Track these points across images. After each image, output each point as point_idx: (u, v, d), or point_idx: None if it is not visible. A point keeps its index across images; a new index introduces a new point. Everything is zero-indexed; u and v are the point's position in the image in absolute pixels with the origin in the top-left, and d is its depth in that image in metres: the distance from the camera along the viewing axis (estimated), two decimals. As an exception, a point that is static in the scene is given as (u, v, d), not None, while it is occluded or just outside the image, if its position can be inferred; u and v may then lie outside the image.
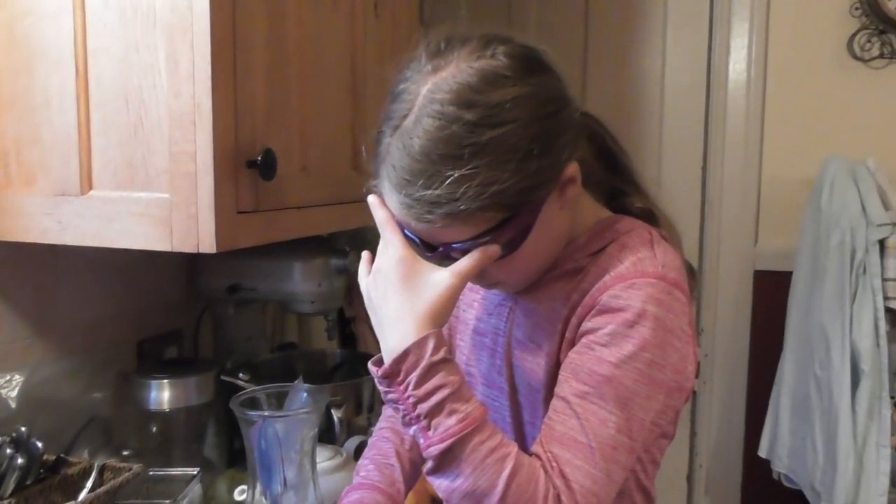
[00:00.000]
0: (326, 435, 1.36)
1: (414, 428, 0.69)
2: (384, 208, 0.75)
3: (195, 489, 1.11)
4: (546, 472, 0.68)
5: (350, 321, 1.82)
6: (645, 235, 0.78)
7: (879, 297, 1.60)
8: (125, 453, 1.23)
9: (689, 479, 2.24)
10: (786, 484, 1.85)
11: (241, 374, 1.31)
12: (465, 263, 0.71)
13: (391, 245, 0.74)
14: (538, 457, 0.70)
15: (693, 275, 0.84)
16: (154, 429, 1.26)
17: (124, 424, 1.28)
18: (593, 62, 2.26)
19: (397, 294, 0.71)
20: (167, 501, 1.05)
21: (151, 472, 1.11)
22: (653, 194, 0.87)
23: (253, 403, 1.10)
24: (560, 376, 0.74)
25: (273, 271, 1.39)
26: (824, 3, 2.00)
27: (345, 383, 1.45)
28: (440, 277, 0.71)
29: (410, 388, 0.68)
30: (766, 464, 1.91)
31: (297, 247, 1.32)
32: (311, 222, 1.12)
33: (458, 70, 0.69)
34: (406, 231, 0.74)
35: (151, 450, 1.24)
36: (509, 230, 0.71)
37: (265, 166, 0.94)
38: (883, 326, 1.59)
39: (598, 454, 0.68)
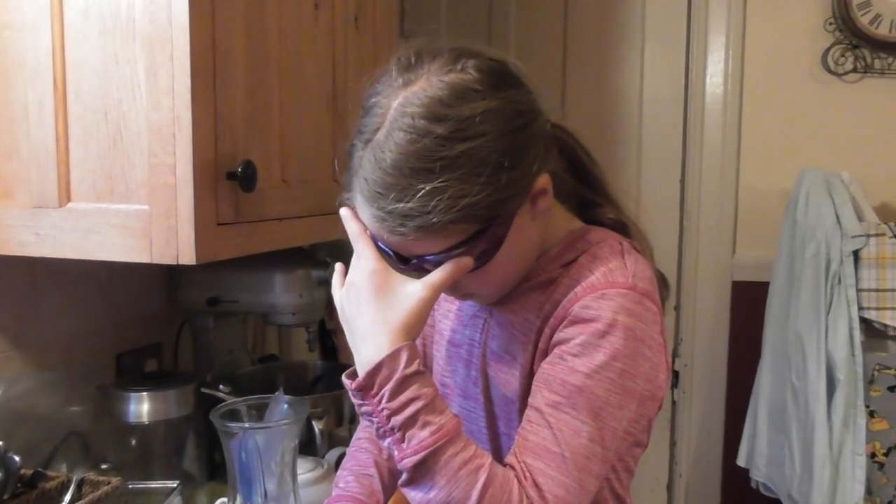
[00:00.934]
0: (307, 447, 1.36)
1: (388, 440, 0.69)
2: (356, 221, 0.75)
3: (175, 502, 1.10)
4: (520, 482, 0.69)
5: (331, 333, 1.82)
6: (616, 246, 0.79)
7: (854, 308, 1.63)
8: (104, 467, 1.22)
9: (669, 488, 2.25)
10: (764, 492, 1.87)
11: (221, 387, 1.31)
12: (437, 276, 0.72)
13: (364, 258, 0.74)
14: (512, 467, 0.70)
15: (666, 285, 0.85)
16: (133, 442, 1.25)
17: (103, 438, 1.26)
18: (572, 76, 2.28)
19: (370, 306, 0.72)
20: (146, 515, 1.04)
21: (131, 486, 1.11)
22: (624, 206, 0.88)
23: (233, 415, 1.10)
24: (533, 387, 0.74)
25: (253, 283, 1.38)
26: (799, 19, 2.04)
27: (326, 395, 1.44)
28: (413, 290, 0.72)
29: (384, 400, 0.68)
30: (744, 472, 1.92)
31: (277, 258, 1.31)
32: (292, 234, 1.12)
33: (428, 84, 0.69)
34: (379, 244, 0.75)
35: (131, 463, 1.23)
36: (481, 242, 0.72)
37: (245, 178, 0.94)
38: (857, 336, 1.62)
39: (571, 463, 0.69)
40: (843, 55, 2.02)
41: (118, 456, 1.24)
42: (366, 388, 0.69)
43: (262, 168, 0.98)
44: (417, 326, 0.72)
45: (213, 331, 1.48)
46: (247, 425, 1.06)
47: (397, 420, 0.68)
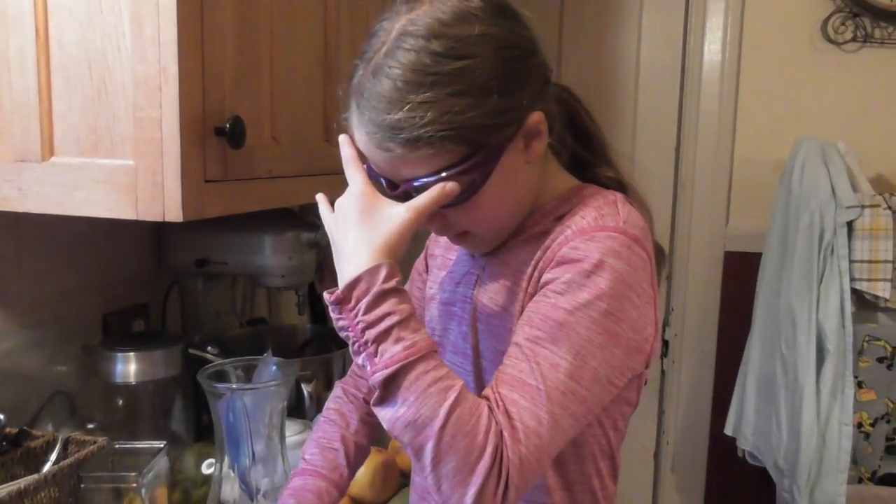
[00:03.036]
0: (296, 410, 1.36)
1: (362, 356, 0.69)
2: (351, 146, 0.77)
3: (162, 462, 1.10)
4: (492, 410, 0.68)
5: (321, 296, 1.81)
6: (610, 197, 0.79)
7: (846, 279, 1.63)
8: (90, 427, 1.22)
9: (657, 456, 2.28)
10: (750, 461, 1.89)
11: (209, 348, 1.30)
12: (422, 199, 0.73)
13: (353, 182, 0.76)
14: (486, 398, 0.70)
15: (662, 255, 0.85)
16: (120, 402, 1.24)
17: (89, 398, 1.26)
18: (569, 41, 2.25)
19: (355, 227, 0.73)
20: (133, 474, 1.03)
21: (117, 445, 1.10)
22: (625, 169, 0.87)
23: (221, 376, 1.09)
24: (517, 326, 0.75)
25: (243, 245, 1.37)
26: (799, -14, 2.01)
27: (315, 358, 1.44)
28: (397, 211, 0.73)
29: (360, 313, 0.69)
30: (731, 441, 1.94)
31: (267, 220, 1.30)
32: (282, 194, 1.11)
33: (431, 8, 0.72)
34: (372, 170, 0.76)
35: (117, 423, 1.23)
36: (468, 169, 0.72)
37: (234, 134, 0.92)
38: (849, 307, 1.62)
39: (545, 396, 0.68)
40: (843, 24, 1.99)
41: (104, 416, 1.24)
42: (343, 301, 0.70)
43: (251, 125, 0.96)
44: (400, 247, 0.73)
45: (201, 293, 1.47)
46: (235, 386, 1.06)
47: (371, 333, 0.68)
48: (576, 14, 2.24)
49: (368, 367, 0.69)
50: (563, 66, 2.23)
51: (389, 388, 0.67)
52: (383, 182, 0.76)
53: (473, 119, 0.70)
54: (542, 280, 0.74)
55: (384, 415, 0.69)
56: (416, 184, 0.73)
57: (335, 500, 0.93)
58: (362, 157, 0.77)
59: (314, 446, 0.96)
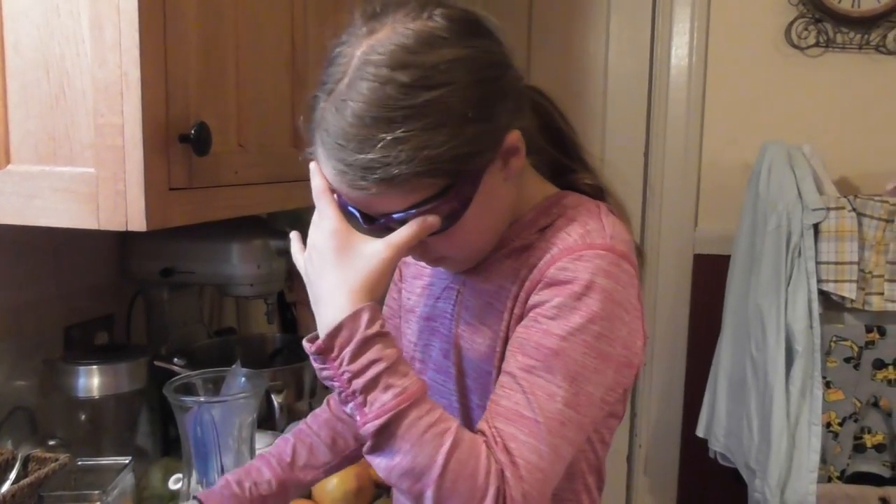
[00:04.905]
0: (266, 421, 1.33)
1: (350, 405, 0.66)
2: (321, 177, 0.72)
3: (127, 479, 1.07)
4: (490, 447, 0.66)
5: (291, 305, 1.79)
6: (593, 209, 0.77)
7: (813, 280, 1.66)
8: (52, 443, 1.18)
9: (629, 459, 2.29)
10: (721, 462, 1.90)
11: (175, 360, 1.27)
12: (401, 234, 0.69)
13: (325, 217, 0.71)
14: (483, 433, 0.68)
15: (641, 255, 0.83)
16: (83, 417, 1.21)
17: (51, 413, 1.22)
18: (538, 47, 2.26)
19: (332, 268, 0.69)
20: (97, 492, 1.00)
21: (80, 462, 1.07)
22: (601, 172, 0.86)
23: (188, 389, 1.07)
24: (507, 352, 0.72)
25: (210, 253, 1.34)
26: (763, -8, 2.05)
27: (285, 368, 1.42)
28: (375, 249, 0.69)
29: (345, 363, 0.66)
30: (703, 443, 1.96)
31: (234, 228, 1.27)
32: (249, 201, 1.08)
33: (393, 32, 0.67)
34: (348, 205, 0.72)
35: (80, 439, 1.20)
36: (448, 200, 0.69)
37: (199, 141, 0.90)
38: (816, 308, 1.65)
39: (544, 429, 0.66)
40: (806, 29, 2.03)
41: (67, 431, 1.21)
42: (326, 351, 0.67)
43: (216, 131, 0.93)
44: (380, 287, 0.69)
45: (167, 303, 1.44)
46: (202, 399, 1.04)
47: (358, 383, 0.65)
48: (544, 20, 2.25)
49: (358, 418, 0.66)
50: (532, 72, 2.23)
51: (382, 437, 0.65)
52: (358, 215, 0.72)
53: (451, 150, 0.66)
54: (530, 302, 0.72)
55: (378, 463, 0.66)
56: (395, 217, 0.70)
57: (266, 478, 0.92)
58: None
59: (261, 460, 0.96)
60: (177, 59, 0.89)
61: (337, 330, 0.66)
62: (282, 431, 1.28)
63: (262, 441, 1.18)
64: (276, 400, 1.33)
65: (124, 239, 1.38)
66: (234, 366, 1.09)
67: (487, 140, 0.69)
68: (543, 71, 2.24)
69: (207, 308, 1.69)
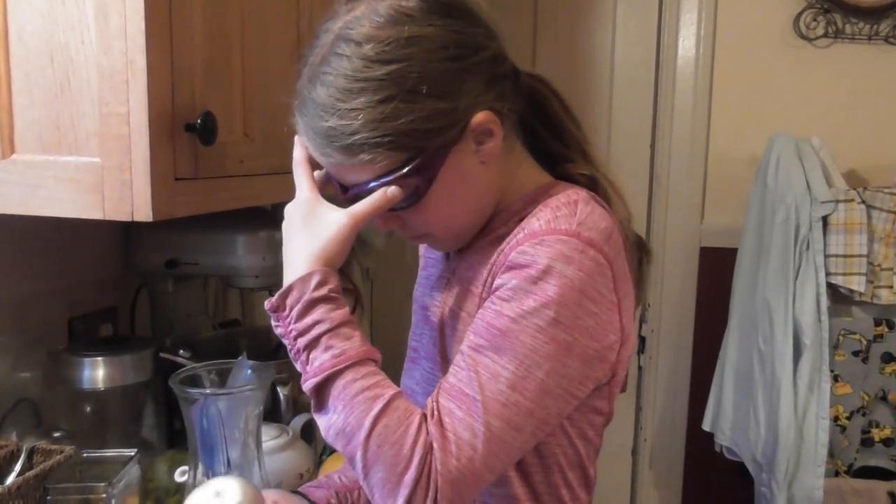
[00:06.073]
0: (272, 413, 1.33)
1: (297, 363, 0.71)
2: (303, 148, 0.78)
3: (133, 471, 1.07)
4: (426, 419, 0.68)
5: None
6: (573, 196, 0.76)
7: (822, 273, 1.65)
8: (56, 435, 1.18)
9: (634, 452, 2.29)
10: (728, 456, 1.90)
11: (181, 352, 1.27)
12: (362, 205, 0.73)
13: (298, 187, 0.77)
14: (426, 407, 0.70)
15: (644, 249, 0.84)
16: (88, 409, 1.21)
17: (56, 405, 1.22)
18: (543, 36, 2.25)
19: (297, 234, 0.75)
20: (103, 484, 1.00)
21: (85, 454, 1.07)
22: (602, 164, 0.85)
23: (194, 381, 1.06)
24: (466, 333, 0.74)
25: (215, 245, 1.34)
26: (772, -19, 2.03)
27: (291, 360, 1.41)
28: (335, 217, 0.74)
29: (292, 321, 0.71)
30: (708, 437, 1.95)
31: (239, 219, 1.27)
32: (255, 192, 1.08)
33: (368, 9, 0.71)
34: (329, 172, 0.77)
35: (85, 431, 1.19)
36: (410, 174, 0.72)
37: (205, 130, 0.90)
38: (825, 302, 1.64)
39: (481, 407, 0.67)
40: (814, 19, 2.01)
41: (72, 424, 1.20)
42: (278, 309, 0.72)
43: (222, 121, 0.93)
44: (337, 254, 0.74)
45: (171, 295, 1.44)
46: (208, 391, 1.03)
47: (302, 341, 0.70)
48: (550, 11, 2.24)
49: (302, 375, 0.71)
50: (537, 63, 2.23)
51: (321, 395, 0.70)
52: (337, 185, 0.77)
53: (407, 124, 0.69)
54: (494, 285, 0.73)
55: (320, 422, 0.71)
56: (362, 188, 0.74)
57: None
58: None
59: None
60: (182, 47, 0.89)
61: (288, 290, 0.71)
62: (287, 423, 1.28)
63: (267, 433, 1.18)
64: (282, 392, 1.34)
65: (128, 230, 1.38)
66: (239, 358, 1.09)
67: (448, 118, 0.71)
68: (549, 62, 2.23)
69: (212, 300, 1.69)
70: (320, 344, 0.69)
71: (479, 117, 0.72)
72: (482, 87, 0.73)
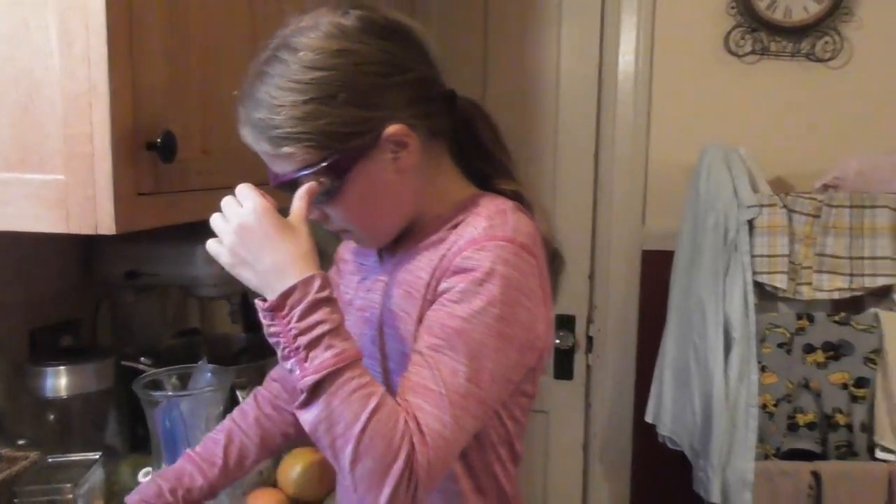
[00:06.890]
0: (232, 416, 1.37)
1: (291, 361, 0.74)
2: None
3: (97, 473, 1.10)
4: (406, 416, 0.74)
5: (254, 304, 1.81)
6: (501, 206, 0.86)
7: (749, 273, 1.76)
8: (21, 443, 1.20)
9: (585, 448, 2.36)
10: (670, 446, 1.99)
11: (142, 359, 1.30)
12: (296, 205, 0.80)
13: (250, 199, 0.78)
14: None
15: (558, 258, 0.93)
16: (52, 417, 1.23)
17: (19, 414, 1.24)
18: (493, 54, 2.33)
19: (275, 243, 0.76)
20: (69, 485, 1.04)
21: (50, 459, 1.09)
22: (524, 184, 0.94)
23: (156, 385, 1.10)
24: (417, 333, 0.81)
25: (174, 255, 1.37)
26: (703, 2, 2.15)
27: (250, 365, 1.45)
28: (295, 225, 0.79)
29: (294, 320, 0.73)
30: (653, 429, 2.04)
31: (198, 230, 1.30)
32: (214, 205, 1.10)
33: (312, 23, 0.81)
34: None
35: (49, 439, 1.22)
36: (323, 171, 0.80)
37: (165, 148, 0.94)
38: (751, 299, 1.74)
39: (447, 401, 0.75)
40: (743, 37, 2.13)
41: (36, 432, 1.23)
42: (277, 309, 0.74)
43: (182, 138, 0.98)
44: (315, 256, 0.78)
45: (132, 305, 1.47)
46: (171, 393, 1.08)
47: (303, 340, 0.73)
48: (499, 28, 2.33)
49: (298, 372, 0.73)
50: (489, 78, 2.31)
51: (316, 392, 0.72)
52: (271, 174, 0.85)
53: (325, 126, 0.78)
54: (440, 289, 0.80)
55: (307, 417, 0.73)
56: (286, 178, 0.81)
57: (199, 484, 0.99)
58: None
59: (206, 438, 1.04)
60: (143, 70, 0.93)
61: (290, 290, 0.74)
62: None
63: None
64: (241, 395, 1.37)
65: (90, 243, 1.40)
66: (200, 362, 1.13)
67: (363, 125, 0.79)
68: (499, 78, 2.31)
69: (172, 309, 1.71)
70: (322, 343, 0.72)
71: (392, 129, 0.80)
72: (403, 103, 0.81)
